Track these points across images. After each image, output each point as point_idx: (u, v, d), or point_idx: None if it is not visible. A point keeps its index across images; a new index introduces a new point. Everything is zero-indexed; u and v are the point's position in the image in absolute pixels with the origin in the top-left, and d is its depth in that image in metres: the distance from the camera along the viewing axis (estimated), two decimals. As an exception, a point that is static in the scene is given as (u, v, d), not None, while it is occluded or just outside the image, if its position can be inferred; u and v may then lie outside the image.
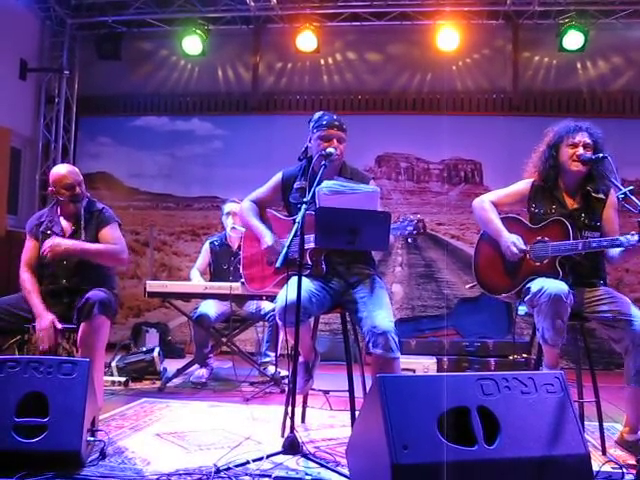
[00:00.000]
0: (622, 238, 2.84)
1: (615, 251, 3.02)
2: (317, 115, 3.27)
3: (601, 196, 3.10)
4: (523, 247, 3.06)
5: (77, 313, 3.36)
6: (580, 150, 3.05)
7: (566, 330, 2.84)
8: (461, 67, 7.07)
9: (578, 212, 3.08)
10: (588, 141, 3.07)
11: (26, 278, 3.58)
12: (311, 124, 3.26)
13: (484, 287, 3.26)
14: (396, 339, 2.88)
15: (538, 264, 3.04)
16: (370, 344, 2.88)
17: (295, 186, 3.28)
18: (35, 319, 3.41)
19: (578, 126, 3.12)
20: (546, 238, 3.05)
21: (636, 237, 2.78)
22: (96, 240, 3.62)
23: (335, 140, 3.17)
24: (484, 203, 3.26)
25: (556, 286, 2.80)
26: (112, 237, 3.65)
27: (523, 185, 3.27)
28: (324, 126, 3.19)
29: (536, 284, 2.89)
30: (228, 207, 5.17)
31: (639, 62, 6.79)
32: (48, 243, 3.46)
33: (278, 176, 3.41)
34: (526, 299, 2.94)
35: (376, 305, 2.98)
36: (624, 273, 6.50)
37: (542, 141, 3.24)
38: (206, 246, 5.32)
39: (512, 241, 3.07)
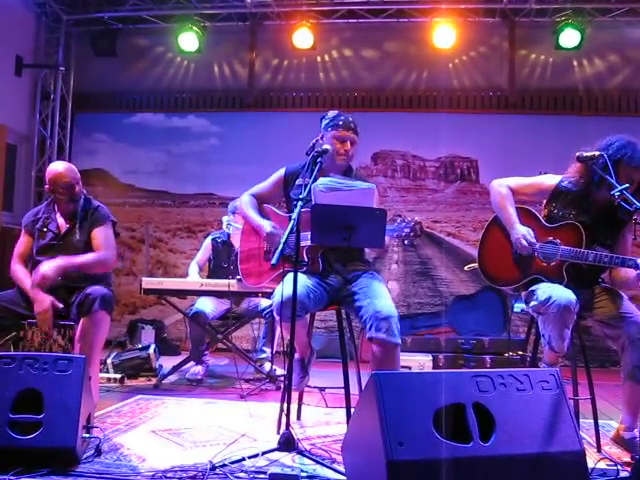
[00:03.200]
0: (637, 260, 2.78)
1: (620, 277, 3.00)
2: (332, 114, 3.28)
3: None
4: (533, 240, 3.00)
5: (77, 308, 3.34)
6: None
7: (571, 337, 2.83)
8: (457, 65, 7.06)
9: (598, 226, 3.01)
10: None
11: (18, 269, 3.56)
12: (325, 121, 3.27)
13: (486, 275, 3.21)
14: (398, 326, 2.87)
15: (545, 264, 3.01)
16: (372, 329, 2.84)
17: (297, 182, 3.28)
18: (32, 305, 3.35)
19: None
20: (558, 240, 3.00)
21: None
22: (89, 239, 3.59)
23: (349, 142, 3.20)
24: (502, 187, 3.16)
25: (565, 296, 2.76)
26: (101, 239, 3.58)
27: (548, 181, 3.16)
28: (341, 127, 3.20)
29: (543, 291, 2.85)
30: (232, 206, 5.07)
31: (635, 60, 6.80)
32: (35, 279, 3.35)
33: (281, 172, 3.41)
34: (531, 305, 2.92)
35: (377, 294, 2.97)
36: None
37: (599, 147, 3.04)
38: (208, 241, 5.25)
39: (523, 234, 3.01)
